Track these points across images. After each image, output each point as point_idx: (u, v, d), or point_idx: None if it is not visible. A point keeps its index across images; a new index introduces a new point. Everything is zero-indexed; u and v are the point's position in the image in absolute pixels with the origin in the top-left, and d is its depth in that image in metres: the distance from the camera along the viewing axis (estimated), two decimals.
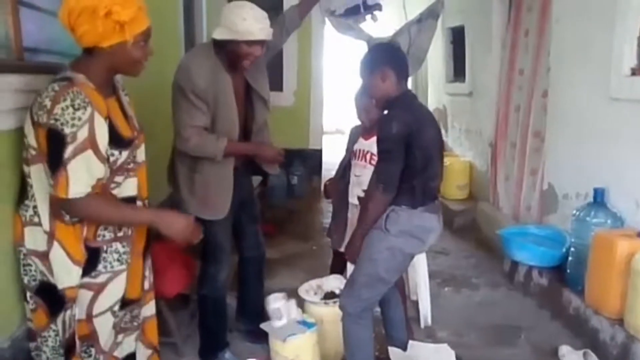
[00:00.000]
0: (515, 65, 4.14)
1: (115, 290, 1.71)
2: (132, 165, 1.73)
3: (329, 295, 2.65)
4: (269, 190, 5.68)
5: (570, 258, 3.07)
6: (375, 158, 2.17)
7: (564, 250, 3.20)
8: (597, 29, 3.12)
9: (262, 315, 2.54)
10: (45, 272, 1.61)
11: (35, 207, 1.60)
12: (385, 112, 2.16)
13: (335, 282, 2.71)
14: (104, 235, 1.67)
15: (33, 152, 1.56)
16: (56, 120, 1.47)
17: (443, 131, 2.11)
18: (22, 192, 1.64)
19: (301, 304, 2.61)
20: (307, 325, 2.39)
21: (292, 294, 2.70)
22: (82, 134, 1.50)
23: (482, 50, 4.91)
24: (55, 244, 1.59)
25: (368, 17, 4.32)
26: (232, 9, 2.22)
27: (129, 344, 1.86)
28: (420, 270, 3.05)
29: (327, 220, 4.00)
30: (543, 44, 3.72)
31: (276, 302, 2.41)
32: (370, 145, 2.58)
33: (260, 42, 2.24)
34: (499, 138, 4.41)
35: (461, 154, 5.65)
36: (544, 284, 3.30)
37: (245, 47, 2.21)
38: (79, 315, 1.65)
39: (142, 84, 1.85)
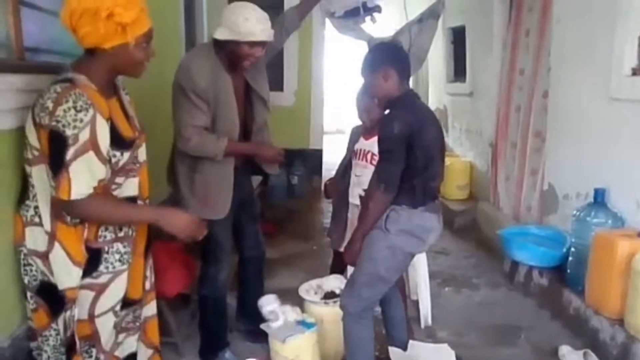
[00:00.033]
0: (516, 66, 4.14)
1: (116, 290, 1.71)
2: (134, 165, 1.74)
3: (329, 295, 2.65)
4: (269, 190, 5.68)
5: (570, 258, 3.07)
6: (376, 158, 2.17)
7: (564, 250, 3.20)
8: (597, 29, 3.12)
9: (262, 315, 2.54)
10: (46, 272, 1.61)
11: (36, 207, 1.60)
12: (387, 111, 2.16)
13: (335, 282, 2.71)
14: (105, 236, 1.67)
15: (36, 153, 1.57)
16: (58, 122, 1.47)
17: (443, 131, 2.11)
18: (23, 192, 1.64)
19: (301, 303, 2.62)
20: (306, 325, 2.39)
21: (292, 293, 2.71)
22: (84, 135, 1.50)
23: (483, 50, 4.90)
24: (56, 244, 1.59)
25: (367, 18, 4.33)
26: (233, 10, 2.21)
27: (130, 344, 1.86)
28: (420, 270, 3.05)
29: (327, 220, 4.00)
30: (544, 44, 3.72)
31: (270, 305, 2.41)
32: (371, 145, 2.58)
33: (262, 43, 2.24)
34: (500, 138, 4.41)
35: (462, 154, 5.64)
36: (544, 284, 3.31)
37: (246, 48, 2.21)
38: (81, 315, 1.65)
39: (142, 84, 1.85)
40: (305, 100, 6.37)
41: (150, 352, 2.00)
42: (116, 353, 1.79)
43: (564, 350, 2.67)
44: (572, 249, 3.06)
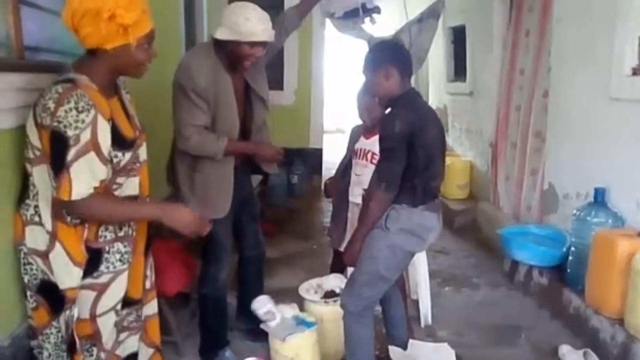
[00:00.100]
0: (516, 65, 4.14)
1: (117, 290, 1.72)
2: (134, 165, 1.74)
3: (329, 294, 2.65)
4: (269, 189, 5.68)
5: (570, 258, 3.07)
6: (376, 157, 2.17)
7: (564, 250, 3.20)
8: (598, 29, 3.12)
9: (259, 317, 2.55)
10: (46, 271, 1.61)
11: (36, 206, 1.60)
12: (388, 110, 2.16)
13: (335, 281, 2.71)
14: (105, 236, 1.67)
15: (37, 153, 1.57)
16: (59, 122, 1.47)
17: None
18: (23, 191, 1.64)
19: (301, 303, 2.62)
20: (306, 324, 2.39)
21: (292, 293, 2.71)
22: (85, 136, 1.50)
23: (483, 50, 4.90)
24: (57, 244, 1.59)
25: (367, 19, 4.34)
26: (234, 10, 2.21)
27: (132, 343, 1.86)
28: (420, 270, 3.05)
29: (327, 219, 4.00)
30: (544, 44, 3.72)
31: (264, 306, 2.42)
32: (371, 144, 2.58)
33: (263, 44, 2.24)
34: (500, 138, 4.41)
35: (462, 153, 5.65)
36: (544, 284, 3.31)
37: (247, 48, 2.21)
38: (82, 315, 1.65)
39: (142, 84, 1.85)
40: (306, 99, 6.37)
41: (151, 351, 2.00)
42: (117, 352, 1.79)
43: (564, 349, 2.67)
44: (572, 249, 3.06)
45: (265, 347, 2.49)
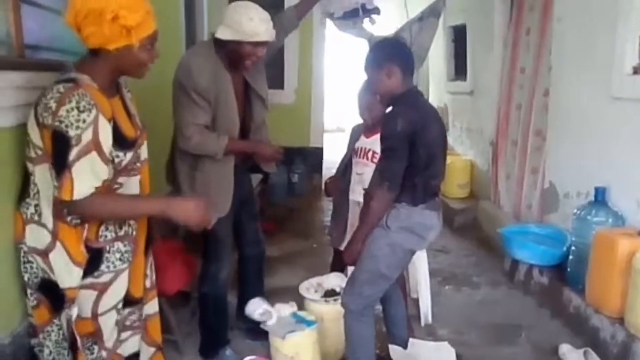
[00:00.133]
0: (517, 64, 4.13)
1: (118, 289, 1.72)
2: (135, 165, 1.74)
3: (330, 293, 2.65)
4: (269, 188, 5.68)
5: (570, 257, 3.07)
6: (377, 156, 2.17)
7: (564, 249, 3.20)
8: (599, 28, 3.12)
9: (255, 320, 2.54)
10: (47, 270, 1.61)
11: (37, 205, 1.60)
12: (390, 109, 2.15)
13: (335, 280, 2.71)
14: (105, 236, 1.67)
15: (39, 152, 1.56)
16: (61, 122, 1.47)
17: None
18: (24, 189, 1.64)
19: (301, 301, 2.62)
20: (307, 323, 2.39)
21: (293, 291, 2.71)
22: (87, 136, 1.50)
23: (484, 49, 4.90)
24: (58, 244, 1.59)
25: (366, 20, 4.35)
26: (236, 9, 2.21)
27: (133, 343, 1.86)
28: (421, 269, 3.05)
29: (327, 218, 4.01)
30: (544, 43, 3.72)
31: (259, 308, 2.42)
32: (372, 143, 2.58)
33: (264, 43, 2.24)
34: (500, 137, 4.41)
35: (462, 152, 5.64)
36: (545, 283, 3.31)
37: (249, 48, 2.21)
38: (84, 314, 1.65)
39: (143, 83, 1.84)
40: (306, 98, 6.36)
41: (152, 350, 1.99)
42: (118, 351, 1.79)
43: (564, 348, 2.67)
44: (573, 248, 3.06)
45: (265, 345, 2.49)
